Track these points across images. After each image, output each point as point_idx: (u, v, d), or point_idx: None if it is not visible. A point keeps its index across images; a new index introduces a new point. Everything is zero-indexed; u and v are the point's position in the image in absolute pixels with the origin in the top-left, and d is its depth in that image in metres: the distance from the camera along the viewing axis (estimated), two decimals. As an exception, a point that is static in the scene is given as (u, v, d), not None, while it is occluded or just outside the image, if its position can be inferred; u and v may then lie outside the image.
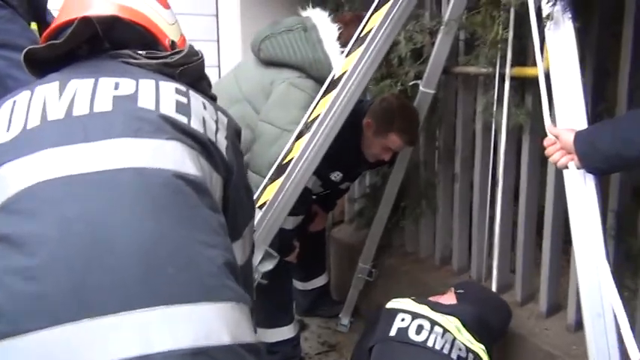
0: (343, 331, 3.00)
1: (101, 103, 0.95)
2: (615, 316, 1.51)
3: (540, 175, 2.14)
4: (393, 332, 1.85)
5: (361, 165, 2.57)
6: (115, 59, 1.06)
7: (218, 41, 3.77)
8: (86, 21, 1.02)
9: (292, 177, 1.79)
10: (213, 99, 1.15)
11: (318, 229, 2.91)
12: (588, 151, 1.34)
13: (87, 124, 0.91)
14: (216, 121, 1.06)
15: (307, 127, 1.81)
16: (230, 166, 1.05)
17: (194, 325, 0.77)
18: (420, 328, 1.84)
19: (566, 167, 1.43)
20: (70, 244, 0.78)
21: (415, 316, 1.87)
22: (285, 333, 2.41)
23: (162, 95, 0.99)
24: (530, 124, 2.06)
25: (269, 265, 1.86)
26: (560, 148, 1.43)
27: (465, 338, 1.83)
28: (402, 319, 1.87)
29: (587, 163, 1.36)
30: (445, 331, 1.81)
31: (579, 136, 1.38)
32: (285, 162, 1.81)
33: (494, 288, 2.16)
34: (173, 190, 0.87)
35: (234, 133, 1.13)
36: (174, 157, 0.92)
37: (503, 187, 2.17)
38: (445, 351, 1.80)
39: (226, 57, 3.67)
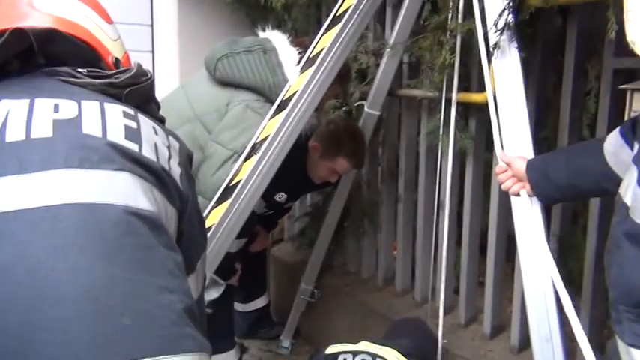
0: (284, 354, 2.93)
1: (39, 128, 0.83)
2: (562, 341, 1.56)
3: (484, 196, 2.18)
4: None
5: (306, 186, 2.53)
6: (52, 77, 0.95)
7: (153, 52, 3.63)
8: (19, 33, 0.90)
9: (240, 200, 1.72)
10: (161, 121, 1.06)
11: (259, 249, 2.83)
12: (540, 180, 1.37)
13: (22, 153, 0.80)
14: (169, 147, 0.98)
15: (255, 149, 1.75)
16: (185, 196, 0.97)
17: None
18: None
19: (518, 195, 1.45)
20: (5, 295, 0.68)
21: (356, 353, 1.84)
22: (225, 360, 2.32)
23: (108, 119, 0.90)
24: (473, 148, 2.09)
25: (215, 293, 1.77)
26: (511, 176, 1.45)
27: None
28: (345, 359, 1.84)
29: (539, 192, 1.38)
30: None
31: (531, 164, 1.40)
32: (232, 184, 1.73)
33: (440, 309, 2.15)
34: (125, 229, 0.78)
35: (187, 158, 1.04)
36: (125, 190, 0.82)
37: (447, 208, 2.19)
38: None
39: (161, 69, 3.54)
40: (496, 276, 2.11)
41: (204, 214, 1.72)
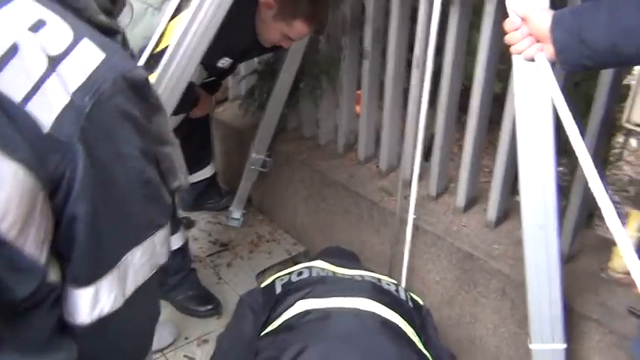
0: (236, 226, 2.71)
1: None
2: (557, 229, 1.34)
3: (467, 46, 1.84)
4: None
5: (255, 50, 2.08)
6: None
7: None
8: None
9: (170, 70, 1.30)
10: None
11: (202, 114, 2.44)
12: (570, 43, 1.02)
13: None
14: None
15: (183, 4, 1.30)
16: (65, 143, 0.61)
17: None
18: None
19: (532, 60, 1.12)
20: None
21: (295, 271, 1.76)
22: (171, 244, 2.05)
23: None
24: (460, -11, 1.70)
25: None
26: (527, 35, 1.10)
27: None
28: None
29: (567, 58, 1.05)
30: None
31: (559, 20, 1.04)
32: (157, 51, 1.31)
33: (414, 178, 1.90)
34: None
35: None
36: None
37: (424, 64, 1.84)
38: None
39: None
40: (476, 143, 1.84)
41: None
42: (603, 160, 1.66)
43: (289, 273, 1.80)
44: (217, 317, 2.18)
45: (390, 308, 1.63)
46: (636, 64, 1.29)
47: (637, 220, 1.51)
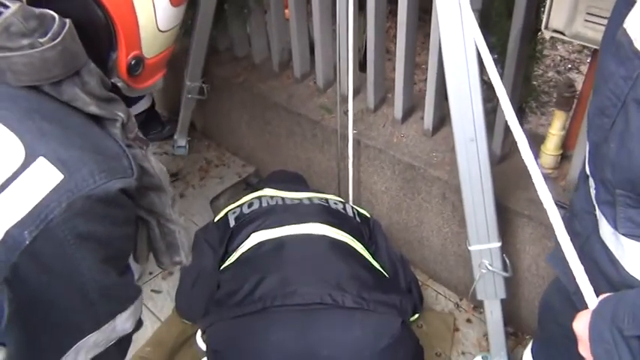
0: (183, 154, 2.70)
1: None
2: (486, 141, 1.41)
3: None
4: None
5: None
6: None
7: None
8: None
9: None
10: None
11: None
12: None
13: None
14: None
15: None
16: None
17: None
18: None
19: None
20: None
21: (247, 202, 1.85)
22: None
23: None
24: None
25: None
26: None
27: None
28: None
29: None
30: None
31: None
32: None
33: (350, 92, 1.91)
34: None
35: None
36: None
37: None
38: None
39: None
40: (408, 48, 1.83)
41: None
42: (529, 57, 1.69)
43: (240, 205, 1.84)
44: (178, 249, 2.24)
45: (339, 228, 1.71)
46: None
47: (560, 120, 1.59)
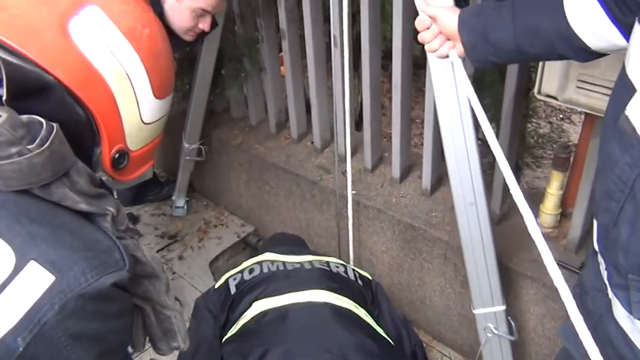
0: (181, 215, 2.69)
1: None
2: (486, 204, 1.41)
3: (382, 20, 1.82)
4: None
5: (179, 47, 1.92)
6: None
7: None
8: None
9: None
10: None
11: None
12: (478, 43, 1.04)
13: None
14: None
15: None
16: None
17: None
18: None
19: (446, 56, 1.13)
20: None
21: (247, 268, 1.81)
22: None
23: None
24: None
25: None
26: (438, 34, 1.11)
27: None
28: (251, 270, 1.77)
29: (476, 56, 1.07)
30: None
31: (465, 22, 1.05)
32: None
33: (347, 153, 1.92)
34: None
35: None
36: None
37: (341, 41, 1.81)
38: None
39: None
40: (404, 109, 1.85)
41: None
42: (523, 117, 1.72)
43: (241, 271, 1.82)
44: (178, 314, 2.21)
45: (341, 294, 1.69)
46: (544, 60, 1.32)
47: (558, 180, 1.60)
